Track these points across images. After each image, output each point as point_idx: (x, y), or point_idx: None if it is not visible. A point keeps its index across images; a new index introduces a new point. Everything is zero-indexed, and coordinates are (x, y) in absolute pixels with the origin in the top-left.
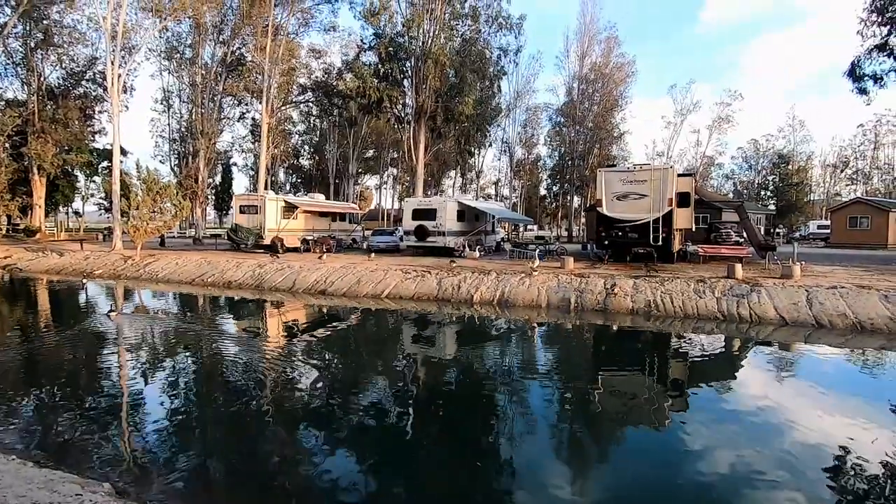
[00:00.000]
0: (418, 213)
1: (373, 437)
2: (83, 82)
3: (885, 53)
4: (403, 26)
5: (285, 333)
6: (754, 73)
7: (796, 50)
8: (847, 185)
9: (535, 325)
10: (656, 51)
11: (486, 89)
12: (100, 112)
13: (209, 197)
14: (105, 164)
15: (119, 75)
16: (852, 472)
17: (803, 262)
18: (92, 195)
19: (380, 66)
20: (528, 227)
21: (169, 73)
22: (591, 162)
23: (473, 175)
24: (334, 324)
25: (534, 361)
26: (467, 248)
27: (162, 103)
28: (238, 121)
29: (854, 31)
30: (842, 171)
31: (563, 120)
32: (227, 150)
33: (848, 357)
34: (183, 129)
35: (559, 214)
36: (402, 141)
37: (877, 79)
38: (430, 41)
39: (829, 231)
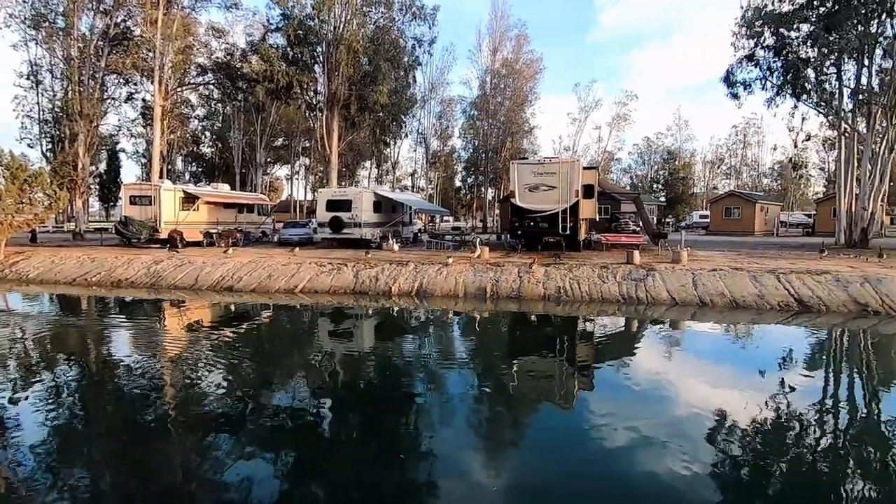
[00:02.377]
0: (333, 205)
1: (287, 440)
2: None
3: (752, 63)
4: (313, 9)
5: (186, 335)
6: (646, 75)
7: (682, 56)
8: (723, 180)
9: (453, 314)
10: (560, 52)
11: (401, 79)
12: None
13: (92, 187)
14: None
15: None
16: (729, 432)
17: (689, 248)
18: None
19: (289, 49)
20: (445, 218)
21: (37, 43)
22: (504, 155)
23: (389, 166)
24: (243, 322)
25: (451, 351)
26: (391, 240)
27: (29, 79)
28: (126, 102)
29: (728, 44)
30: (718, 167)
31: (476, 113)
32: (114, 135)
33: (727, 331)
34: (57, 110)
35: (474, 206)
36: (314, 129)
37: (746, 85)
38: (342, 26)
39: (708, 220)
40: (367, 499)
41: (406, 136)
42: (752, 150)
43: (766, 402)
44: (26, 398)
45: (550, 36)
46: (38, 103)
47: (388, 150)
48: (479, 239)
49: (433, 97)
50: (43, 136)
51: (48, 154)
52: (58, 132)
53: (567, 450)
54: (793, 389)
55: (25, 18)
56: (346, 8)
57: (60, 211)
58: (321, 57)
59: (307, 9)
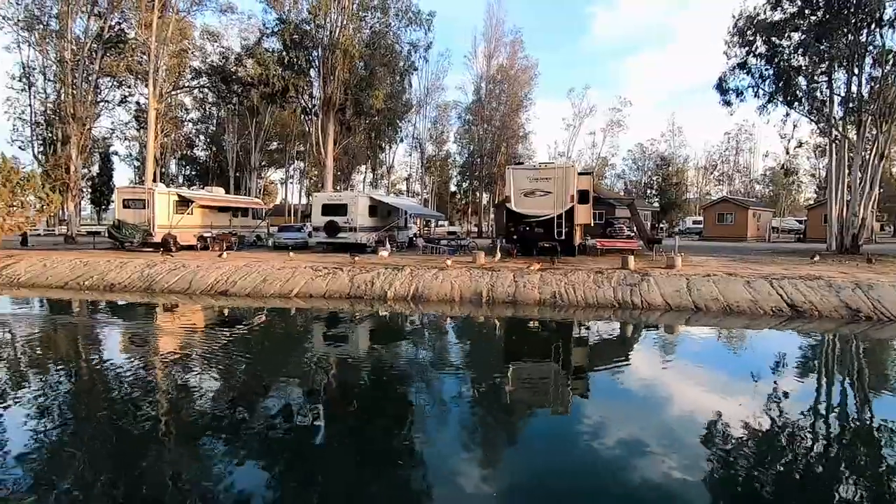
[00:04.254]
0: (328, 209)
1: (281, 446)
2: None
3: (745, 71)
4: (309, 13)
5: (179, 339)
6: (639, 81)
7: (675, 63)
8: (715, 186)
9: (449, 318)
10: (554, 58)
11: (397, 84)
12: None
13: (84, 190)
14: None
15: None
16: (724, 437)
17: (683, 254)
18: None
19: (284, 53)
20: (440, 222)
21: (30, 45)
22: (499, 160)
23: (384, 170)
24: (237, 326)
25: (447, 355)
26: (387, 244)
27: (21, 80)
28: (119, 105)
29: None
30: (711, 173)
31: (471, 118)
32: (107, 138)
33: (721, 336)
34: (49, 112)
35: (469, 210)
36: (309, 133)
37: (738, 93)
38: (338, 31)
39: (702, 226)
40: None
41: (401, 140)
42: (744, 157)
43: (761, 408)
44: (16, 402)
45: (545, 42)
46: (30, 105)
47: (384, 154)
48: (474, 244)
49: (429, 102)
50: (35, 138)
51: (40, 156)
52: (50, 135)
53: (563, 456)
54: (787, 395)
55: (18, 20)
56: (343, 13)
57: (52, 214)
58: (317, 61)
59: (303, 13)
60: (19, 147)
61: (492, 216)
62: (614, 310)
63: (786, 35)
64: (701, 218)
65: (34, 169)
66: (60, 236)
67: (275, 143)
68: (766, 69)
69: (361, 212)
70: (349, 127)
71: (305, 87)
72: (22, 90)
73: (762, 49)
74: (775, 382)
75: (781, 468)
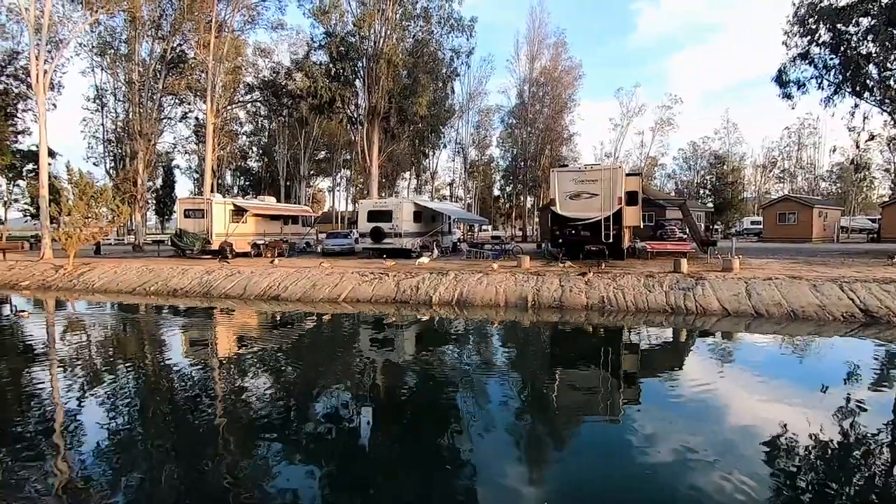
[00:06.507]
0: (374, 215)
1: (334, 446)
2: (3, 78)
3: (806, 62)
4: (354, 26)
5: (237, 341)
6: (687, 78)
7: (726, 58)
8: (776, 184)
9: (494, 323)
10: (598, 57)
11: (440, 90)
12: (24, 111)
13: (150, 201)
14: (31, 166)
15: (45, 71)
16: (788, 453)
17: (741, 256)
18: (16, 200)
19: (331, 65)
20: (483, 227)
21: (102, 69)
22: (543, 163)
23: (428, 176)
24: (290, 330)
25: (493, 360)
26: (433, 249)
27: (95, 102)
28: (180, 121)
29: (779, 43)
30: (770, 171)
31: (514, 121)
32: (169, 152)
33: (784, 344)
34: (119, 130)
35: (513, 214)
36: (355, 142)
37: (800, 85)
38: (382, 41)
39: (761, 226)
40: None
41: (444, 146)
42: (807, 152)
43: (830, 421)
44: (92, 398)
45: (589, 42)
46: (102, 125)
47: (427, 160)
48: (519, 248)
49: (471, 107)
50: (107, 154)
51: (111, 171)
52: (120, 151)
53: (612, 465)
54: (861, 408)
55: (93, 46)
56: (386, 23)
57: (121, 224)
58: (362, 71)
59: (348, 25)
60: (93, 163)
61: (536, 220)
62: (666, 315)
63: (853, 21)
64: (760, 218)
65: (106, 183)
66: (129, 245)
67: (322, 153)
68: (831, 58)
69: (406, 217)
70: (393, 134)
71: (351, 98)
72: (95, 111)
73: (826, 37)
74: (847, 395)
75: (852, 489)
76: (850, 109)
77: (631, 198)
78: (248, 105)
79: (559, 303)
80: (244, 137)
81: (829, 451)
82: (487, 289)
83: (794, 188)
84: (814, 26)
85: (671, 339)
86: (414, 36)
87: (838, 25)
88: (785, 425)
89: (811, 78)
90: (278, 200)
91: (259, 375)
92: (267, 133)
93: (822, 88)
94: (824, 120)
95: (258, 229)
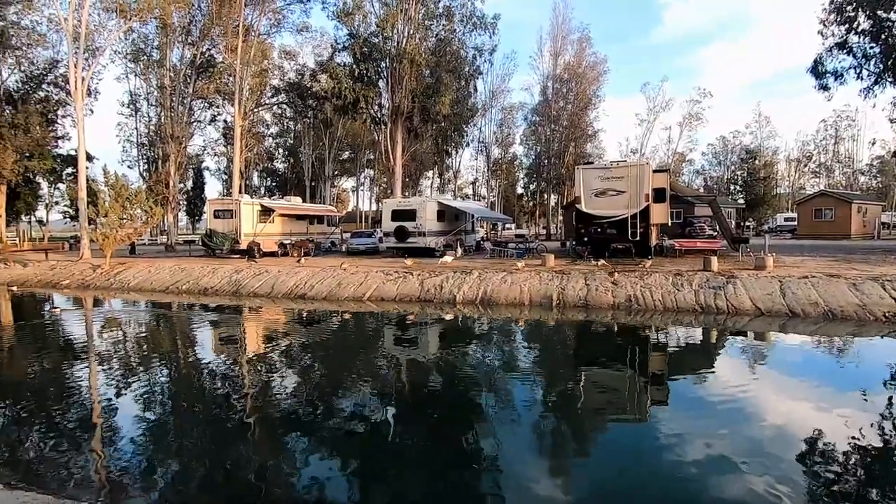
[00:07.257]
0: (398, 214)
1: (359, 443)
2: (44, 86)
3: (844, 51)
4: (377, 26)
5: (265, 339)
6: (717, 72)
7: (759, 50)
8: (811, 179)
9: (519, 322)
10: (624, 52)
11: (462, 89)
12: (63, 116)
13: (181, 202)
14: (70, 170)
15: (83, 78)
16: (823, 459)
17: (774, 254)
18: (56, 203)
19: (355, 66)
20: (507, 225)
21: (136, 75)
22: (567, 160)
23: (451, 175)
24: (316, 328)
25: (518, 359)
26: (457, 248)
27: (129, 107)
28: (209, 124)
29: (814, 33)
30: (805, 166)
31: (538, 119)
32: (199, 154)
33: (821, 344)
34: (152, 134)
35: (537, 213)
36: (378, 142)
37: (837, 75)
38: (404, 41)
39: (795, 223)
40: None
41: (467, 144)
42: (845, 146)
43: (869, 427)
44: (127, 392)
45: (614, 37)
46: (136, 129)
47: (450, 159)
48: (543, 246)
49: (494, 105)
50: (140, 157)
51: (144, 174)
52: (152, 154)
53: (640, 466)
54: None
55: (127, 54)
56: (409, 23)
57: (155, 225)
58: (385, 72)
59: (372, 26)
60: (128, 166)
61: (560, 218)
62: (696, 314)
63: (895, 7)
64: (794, 214)
65: (140, 185)
66: (162, 245)
67: (346, 153)
68: (872, 47)
69: (430, 216)
70: (416, 134)
71: (375, 98)
72: (129, 115)
73: (865, 25)
74: (890, 399)
75: (891, 500)
76: (891, 100)
77: (658, 194)
78: (275, 107)
79: (585, 302)
80: (270, 139)
81: (868, 459)
82: (511, 287)
83: (830, 183)
84: (852, 14)
85: (701, 339)
86: (436, 35)
87: (878, 12)
88: (820, 430)
89: (849, 68)
90: (304, 200)
91: (287, 373)
92: (293, 134)
93: (862, 78)
94: (863, 111)
95: (285, 229)
